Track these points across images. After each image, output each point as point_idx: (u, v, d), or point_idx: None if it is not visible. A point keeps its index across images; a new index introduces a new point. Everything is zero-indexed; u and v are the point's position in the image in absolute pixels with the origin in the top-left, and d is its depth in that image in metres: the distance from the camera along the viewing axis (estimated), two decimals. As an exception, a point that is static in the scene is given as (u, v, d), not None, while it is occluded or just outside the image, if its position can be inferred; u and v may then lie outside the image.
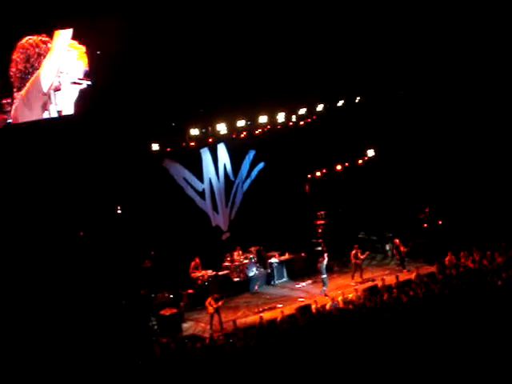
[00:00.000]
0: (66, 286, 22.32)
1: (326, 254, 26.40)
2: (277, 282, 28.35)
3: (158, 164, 27.33)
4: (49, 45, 22.72)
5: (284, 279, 28.61)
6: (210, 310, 23.03)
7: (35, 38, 22.45)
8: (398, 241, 27.23)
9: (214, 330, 22.40)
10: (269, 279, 28.23)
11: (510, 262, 22.05)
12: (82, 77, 22.70)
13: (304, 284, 27.62)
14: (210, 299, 23.13)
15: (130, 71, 23.42)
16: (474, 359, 13.81)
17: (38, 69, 22.52)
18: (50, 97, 22.51)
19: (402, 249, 26.99)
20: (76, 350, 19.77)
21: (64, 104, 22.75)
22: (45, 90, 22.43)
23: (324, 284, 25.64)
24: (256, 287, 26.95)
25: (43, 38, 22.59)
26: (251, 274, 27.74)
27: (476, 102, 28.07)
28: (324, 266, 25.76)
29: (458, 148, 28.61)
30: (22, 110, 22.48)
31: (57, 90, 22.50)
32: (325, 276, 25.75)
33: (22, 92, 22.41)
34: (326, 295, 23.69)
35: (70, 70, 22.63)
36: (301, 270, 28.98)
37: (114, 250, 24.10)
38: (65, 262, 22.82)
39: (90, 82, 22.68)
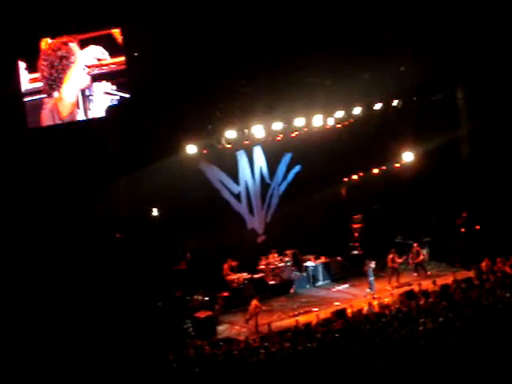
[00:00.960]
0: (104, 288, 22.43)
1: (391, 255, 26.39)
2: (312, 285, 28.25)
3: (195, 166, 27.29)
4: (70, 44, 22.62)
5: (320, 283, 28.49)
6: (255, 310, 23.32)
7: (56, 41, 22.45)
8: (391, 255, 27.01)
9: (250, 332, 22.38)
10: (304, 283, 28.11)
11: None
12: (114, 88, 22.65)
13: (340, 288, 27.51)
14: (255, 301, 23.36)
15: (165, 73, 23.46)
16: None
17: (64, 73, 22.51)
18: (78, 104, 22.55)
19: (397, 261, 26.80)
20: (112, 351, 19.88)
21: (95, 111, 22.83)
22: (73, 97, 22.45)
23: (371, 286, 25.55)
24: (291, 290, 26.83)
25: (63, 40, 22.57)
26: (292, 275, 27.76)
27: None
28: (371, 269, 25.70)
29: (496, 150, 28.31)
30: (52, 116, 22.61)
31: (87, 98, 22.51)
32: (372, 278, 25.69)
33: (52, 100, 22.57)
34: (373, 297, 23.55)
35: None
36: (337, 273, 28.86)
37: (150, 252, 24.16)
38: (102, 263, 22.92)
39: (126, 95, 22.64)
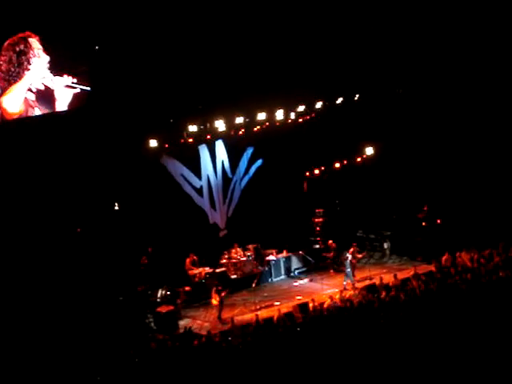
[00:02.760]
0: (63, 283, 22.26)
1: (352, 249, 26.41)
2: (274, 279, 28.32)
3: (156, 161, 27.18)
4: (30, 39, 22.17)
5: (281, 277, 28.57)
6: (214, 302, 23.44)
7: (15, 38, 22.02)
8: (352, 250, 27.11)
9: (211, 327, 22.37)
10: (266, 277, 28.16)
11: (507, 261, 22.05)
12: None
13: (302, 282, 27.59)
14: (213, 291, 23.37)
15: (127, 68, 23.30)
16: (470, 358, 13.77)
17: (23, 69, 22.10)
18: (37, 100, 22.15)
19: (357, 255, 26.96)
20: (72, 346, 19.74)
21: (58, 106, 22.48)
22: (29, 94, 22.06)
23: (348, 277, 25.69)
24: (253, 284, 26.87)
25: (22, 36, 22.14)
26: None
27: (476, 99, 28.01)
28: (349, 260, 25.79)
29: (457, 146, 28.57)
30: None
31: (47, 93, 22.12)
32: (349, 270, 25.80)
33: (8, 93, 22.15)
34: (354, 287, 23.58)
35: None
36: (299, 267, 28.97)
37: (111, 247, 24.02)
38: (62, 258, 22.75)
39: (87, 88, 22.34)
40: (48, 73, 21.68)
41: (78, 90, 22.19)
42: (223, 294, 23.55)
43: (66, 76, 22.03)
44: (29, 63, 22.00)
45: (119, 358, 18.10)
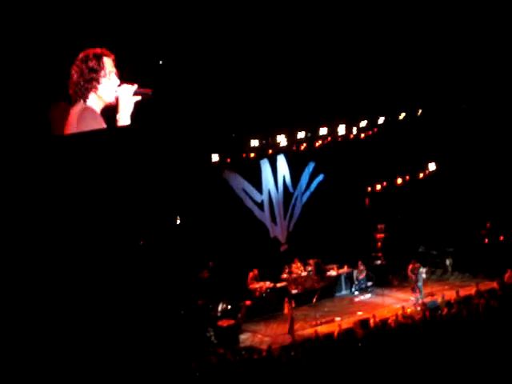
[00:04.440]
0: (127, 296, 22.48)
1: (411, 265, 26.29)
2: (335, 295, 28.25)
3: (218, 175, 27.37)
4: (105, 58, 22.36)
5: (342, 292, 28.49)
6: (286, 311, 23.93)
7: (89, 52, 22.29)
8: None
9: (272, 341, 22.38)
10: (327, 292, 28.10)
11: None
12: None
13: (363, 297, 27.48)
14: (286, 301, 24.19)
15: (189, 82, 23.53)
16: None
17: (92, 87, 22.35)
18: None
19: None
20: (133, 359, 19.91)
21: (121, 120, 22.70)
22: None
23: (420, 292, 25.51)
24: (314, 300, 26.82)
25: (96, 53, 22.40)
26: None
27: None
28: (421, 274, 25.68)
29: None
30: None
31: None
32: (420, 284, 25.65)
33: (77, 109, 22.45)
34: (417, 304, 23.46)
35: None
36: (359, 283, 28.86)
37: (173, 261, 24.21)
38: (125, 271, 22.99)
39: (149, 92, 22.52)
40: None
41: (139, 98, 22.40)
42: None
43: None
44: (98, 83, 22.30)
45: (180, 372, 18.19)
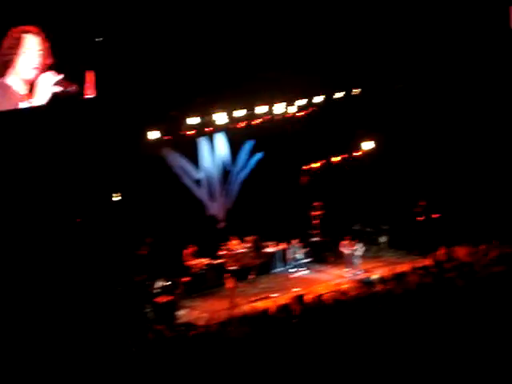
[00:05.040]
0: (63, 272, 22.40)
1: (346, 241, 26.87)
2: (272, 271, 28.54)
3: (156, 153, 27.31)
4: (28, 37, 21.88)
5: (280, 269, 28.77)
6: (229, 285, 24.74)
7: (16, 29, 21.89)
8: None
9: (209, 317, 22.53)
10: (264, 268, 28.35)
11: (501, 257, 22.17)
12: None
13: (300, 274, 27.81)
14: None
15: (126, 61, 23.42)
16: (466, 353, 13.88)
17: (9, 61, 21.89)
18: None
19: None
20: (69, 335, 19.87)
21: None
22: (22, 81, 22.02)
23: (355, 268, 26.30)
24: (251, 276, 27.01)
25: (21, 30, 21.95)
26: None
27: (476, 97, 28.11)
28: (356, 251, 26.46)
29: (455, 142, 28.69)
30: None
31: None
32: (356, 261, 26.54)
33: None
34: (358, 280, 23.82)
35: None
36: (296, 259, 29.12)
37: (110, 238, 24.19)
38: (61, 248, 22.88)
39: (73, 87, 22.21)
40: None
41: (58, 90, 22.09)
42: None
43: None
44: (13, 61, 21.87)
45: (117, 348, 18.22)
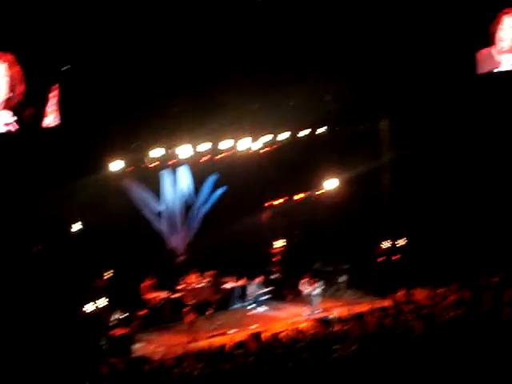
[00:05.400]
0: (20, 300, 22.12)
1: (305, 280, 26.83)
2: (231, 307, 28.38)
3: (119, 184, 27.16)
4: None
5: (238, 305, 28.61)
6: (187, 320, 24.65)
7: None
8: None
9: (165, 352, 22.34)
10: (223, 304, 28.18)
11: (459, 301, 22.25)
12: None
13: (258, 310, 27.70)
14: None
15: (91, 88, 23.35)
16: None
17: None
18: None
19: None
20: (24, 366, 19.60)
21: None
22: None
23: (313, 307, 26.12)
24: (209, 312, 26.82)
25: None
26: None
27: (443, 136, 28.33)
28: (316, 289, 26.40)
29: (417, 182, 28.81)
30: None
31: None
32: (315, 299, 26.43)
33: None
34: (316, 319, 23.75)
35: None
36: (256, 296, 29.00)
37: (68, 268, 23.93)
38: (19, 276, 22.63)
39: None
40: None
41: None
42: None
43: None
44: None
45: (71, 381, 18.02)
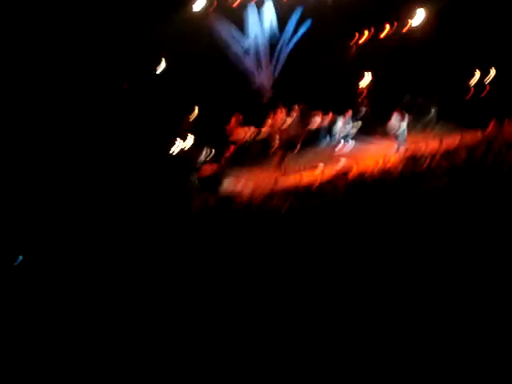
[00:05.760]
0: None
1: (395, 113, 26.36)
2: (320, 142, 28.26)
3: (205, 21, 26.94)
4: None
5: (327, 139, 28.44)
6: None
7: None
8: None
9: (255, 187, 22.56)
10: (312, 140, 28.07)
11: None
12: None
13: (347, 145, 27.50)
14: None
15: None
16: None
17: None
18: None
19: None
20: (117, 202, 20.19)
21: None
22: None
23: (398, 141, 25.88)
24: (298, 147, 26.73)
25: None
26: None
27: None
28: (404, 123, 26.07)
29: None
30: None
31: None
32: (404, 132, 26.08)
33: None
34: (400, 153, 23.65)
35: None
36: (345, 131, 28.75)
37: (155, 106, 24.18)
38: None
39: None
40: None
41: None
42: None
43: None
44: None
45: (163, 215, 18.45)
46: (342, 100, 29.23)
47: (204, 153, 24.75)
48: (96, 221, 18.76)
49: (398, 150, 25.05)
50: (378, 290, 12.03)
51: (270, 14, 29.61)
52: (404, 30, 30.68)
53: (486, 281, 11.71)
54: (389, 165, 21.59)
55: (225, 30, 28.47)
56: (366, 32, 31.23)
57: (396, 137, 26.06)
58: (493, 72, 28.32)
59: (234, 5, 27.11)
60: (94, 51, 23.54)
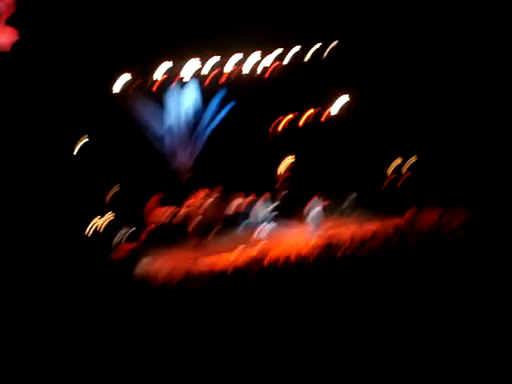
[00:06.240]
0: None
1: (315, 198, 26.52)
2: (240, 224, 28.27)
3: (125, 100, 26.97)
4: None
5: (247, 221, 28.48)
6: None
7: None
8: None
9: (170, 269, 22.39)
10: (231, 221, 28.09)
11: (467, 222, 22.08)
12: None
13: (267, 227, 27.56)
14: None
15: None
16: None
17: None
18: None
19: None
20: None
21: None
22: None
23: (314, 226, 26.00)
24: (217, 228, 26.77)
25: None
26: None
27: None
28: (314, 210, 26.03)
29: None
30: None
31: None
32: (315, 219, 26.19)
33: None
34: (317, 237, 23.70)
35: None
36: (265, 213, 28.84)
37: (74, 185, 23.97)
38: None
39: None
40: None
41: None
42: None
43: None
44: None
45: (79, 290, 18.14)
46: (262, 183, 29.40)
47: (122, 232, 24.55)
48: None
49: (312, 234, 25.18)
50: None
51: (193, 94, 29.75)
52: (326, 115, 31.14)
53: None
54: (304, 250, 21.61)
55: (145, 110, 28.42)
56: (290, 115, 31.61)
57: (311, 221, 26.24)
58: (413, 159, 28.78)
59: (154, 88, 27.12)
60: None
